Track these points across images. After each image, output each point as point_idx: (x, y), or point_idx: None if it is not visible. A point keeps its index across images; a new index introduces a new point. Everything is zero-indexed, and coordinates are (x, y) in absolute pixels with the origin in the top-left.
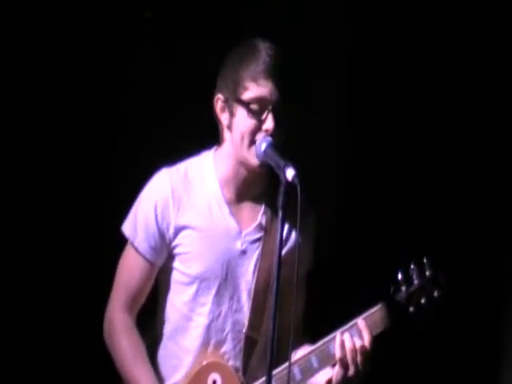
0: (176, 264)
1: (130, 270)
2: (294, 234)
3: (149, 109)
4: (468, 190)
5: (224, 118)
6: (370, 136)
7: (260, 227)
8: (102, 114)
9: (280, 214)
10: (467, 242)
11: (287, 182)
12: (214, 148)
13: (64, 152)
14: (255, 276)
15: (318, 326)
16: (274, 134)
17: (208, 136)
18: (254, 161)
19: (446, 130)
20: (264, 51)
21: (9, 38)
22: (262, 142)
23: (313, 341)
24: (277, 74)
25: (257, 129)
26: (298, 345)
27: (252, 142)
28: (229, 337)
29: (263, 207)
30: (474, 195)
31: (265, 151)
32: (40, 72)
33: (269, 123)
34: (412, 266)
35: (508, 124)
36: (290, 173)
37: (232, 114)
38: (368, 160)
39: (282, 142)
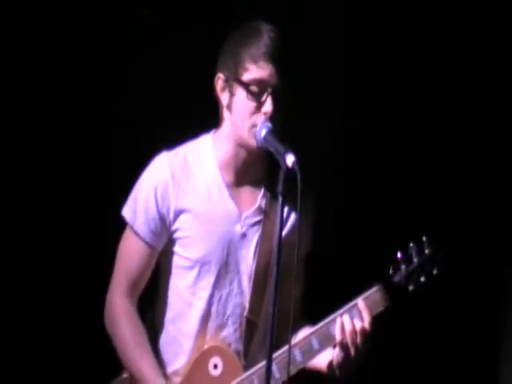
0: (176, 248)
1: (130, 254)
2: (293, 217)
3: (146, 100)
4: (463, 178)
5: (224, 97)
6: (369, 131)
7: (259, 210)
8: (100, 103)
9: (280, 199)
10: (467, 227)
11: (287, 168)
12: (213, 131)
13: (62, 144)
14: (255, 259)
15: (318, 308)
16: (272, 117)
17: (206, 125)
18: (253, 142)
19: (444, 125)
20: (266, 33)
21: (6, 35)
22: (262, 128)
23: (313, 323)
24: (277, 57)
25: (256, 110)
26: (297, 328)
27: (252, 124)
28: (229, 321)
29: (262, 191)
30: (470, 183)
31: (265, 137)
32: (37, 68)
33: (267, 106)
34: (411, 245)
35: (510, 126)
36: (289, 159)
37: (232, 94)
38: (367, 155)
39: (281, 127)
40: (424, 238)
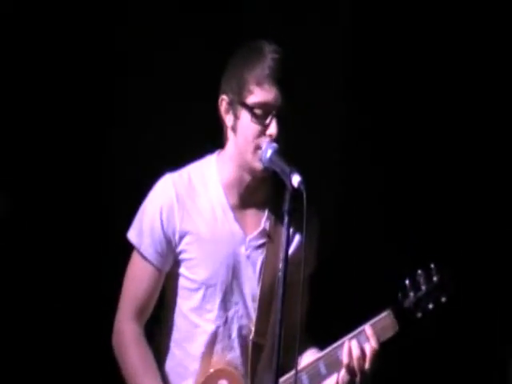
0: (182, 270)
1: (138, 278)
2: (297, 237)
3: (147, 106)
4: (465, 184)
5: (228, 119)
6: (370, 138)
7: (264, 233)
8: (99, 103)
9: (286, 219)
10: (472, 247)
11: (293, 188)
12: (217, 152)
13: (61, 151)
14: (260, 281)
15: (325, 331)
16: (277, 139)
17: (208, 135)
18: (258, 165)
19: (446, 128)
20: (269, 55)
21: (6, 35)
22: (268, 149)
23: (319, 345)
24: (282, 78)
25: (261, 133)
26: (302, 349)
27: (257, 147)
28: (235, 343)
29: (266, 213)
30: (471, 190)
31: (270, 158)
32: (37, 68)
33: (272, 129)
34: (419, 272)
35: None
36: (295, 179)
37: (236, 117)
38: (368, 163)
39: (285, 146)
40: (432, 266)
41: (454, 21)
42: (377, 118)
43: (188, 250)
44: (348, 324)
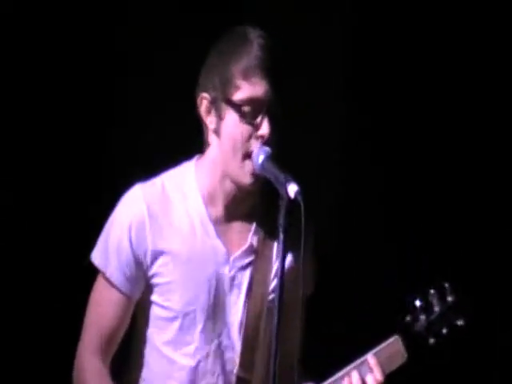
0: (155, 297)
1: (103, 307)
2: (290, 256)
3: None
4: (465, 184)
5: (210, 120)
6: (370, 138)
7: (250, 250)
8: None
9: (281, 236)
10: (472, 247)
11: (289, 198)
12: (196, 158)
13: (61, 151)
14: (246, 306)
15: (322, 361)
16: (270, 141)
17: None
18: (247, 179)
19: (447, 128)
20: (256, 42)
21: (6, 35)
22: (260, 154)
23: (316, 377)
24: (272, 69)
25: (250, 135)
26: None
27: (246, 154)
28: (219, 380)
29: (254, 226)
30: (472, 190)
31: (262, 164)
32: (37, 68)
33: (264, 128)
34: (432, 291)
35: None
36: (292, 189)
37: (220, 117)
38: (368, 163)
39: (278, 149)
40: (446, 285)
41: (455, 21)
42: (377, 118)
43: (162, 273)
44: (351, 351)
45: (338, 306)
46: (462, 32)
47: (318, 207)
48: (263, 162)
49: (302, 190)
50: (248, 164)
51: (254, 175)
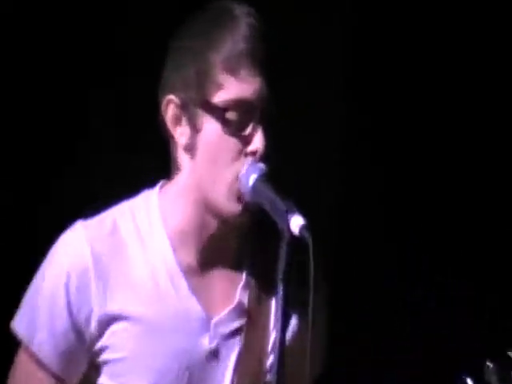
0: (103, 380)
1: None
2: (293, 319)
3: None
4: (466, 184)
5: (180, 133)
6: (370, 138)
7: (239, 310)
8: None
9: (281, 290)
10: (472, 247)
11: (292, 236)
12: (159, 185)
13: (60, 151)
14: None
15: (325, 359)
16: (264, 156)
17: None
18: (233, 208)
19: (447, 128)
20: (244, 20)
21: (6, 35)
22: (251, 173)
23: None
24: (266, 59)
25: (239, 152)
26: None
27: (235, 179)
28: None
29: (244, 276)
30: (472, 190)
31: (254, 186)
32: (37, 68)
33: (256, 142)
34: (490, 365)
35: None
36: (296, 222)
37: (195, 128)
38: (368, 163)
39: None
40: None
41: (455, 21)
42: (377, 118)
43: (114, 347)
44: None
45: (338, 305)
46: (463, 32)
47: (318, 207)
48: (255, 183)
49: (309, 224)
50: (234, 187)
51: (243, 202)
